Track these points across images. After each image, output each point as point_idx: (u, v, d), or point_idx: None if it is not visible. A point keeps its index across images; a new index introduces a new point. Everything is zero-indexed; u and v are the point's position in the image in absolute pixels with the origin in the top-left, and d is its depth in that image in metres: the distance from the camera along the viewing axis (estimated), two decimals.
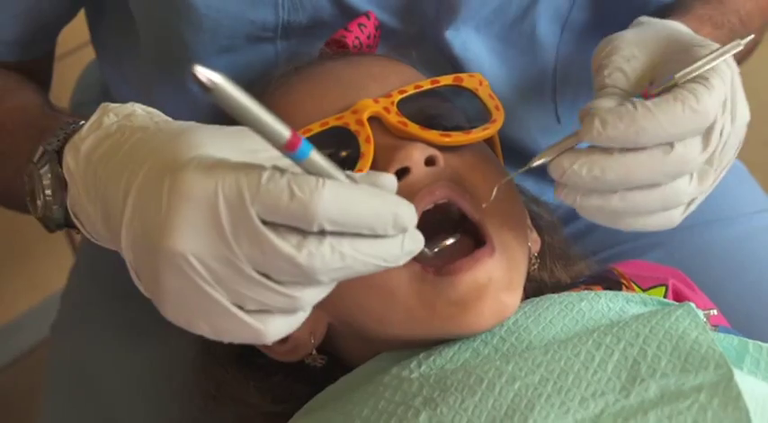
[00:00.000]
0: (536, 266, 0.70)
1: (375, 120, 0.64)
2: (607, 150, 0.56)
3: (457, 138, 0.64)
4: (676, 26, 0.65)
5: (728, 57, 0.58)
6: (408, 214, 0.48)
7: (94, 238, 0.56)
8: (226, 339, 0.50)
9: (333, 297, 0.62)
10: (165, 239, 0.47)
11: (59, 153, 0.57)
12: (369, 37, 0.73)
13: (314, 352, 0.66)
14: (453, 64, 0.78)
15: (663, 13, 0.75)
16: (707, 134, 0.57)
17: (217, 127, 0.53)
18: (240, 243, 0.46)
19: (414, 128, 0.63)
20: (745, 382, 0.51)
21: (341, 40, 0.72)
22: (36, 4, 0.76)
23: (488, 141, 0.69)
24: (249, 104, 0.43)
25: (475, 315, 0.59)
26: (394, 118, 0.64)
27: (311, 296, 0.49)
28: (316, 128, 0.64)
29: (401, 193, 0.51)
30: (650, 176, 0.56)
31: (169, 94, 0.78)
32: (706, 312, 0.61)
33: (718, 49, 0.58)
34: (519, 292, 0.62)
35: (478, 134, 0.66)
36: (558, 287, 0.70)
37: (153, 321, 0.80)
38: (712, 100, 0.56)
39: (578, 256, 0.76)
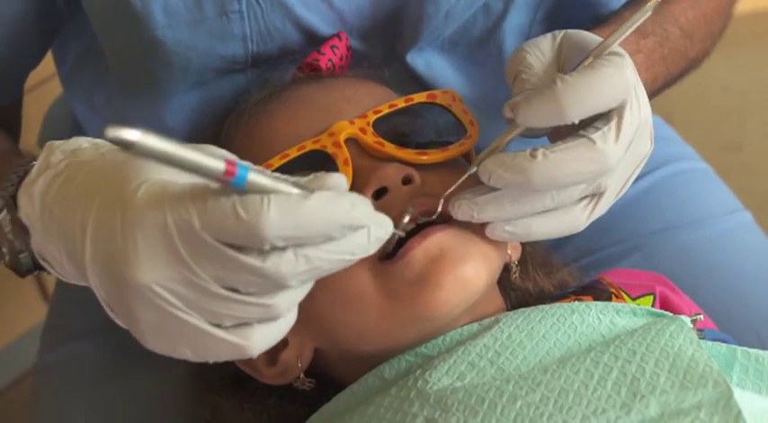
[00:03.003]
0: (517, 274, 0.71)
1: (352, 141, 0.64)
2: (533, 153, 0.56)
3: (433, 155, 0.65)
4: (581, 32, 0.65)
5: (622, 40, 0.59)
6: (364, 212, 0.47)
7: (65, 277, 0.55)
8: (211, 360, 0.50)
9: (310, 322, 0.62)
10: (127, 273, 0.46)
11: (15, 199, 0.56)
12: (341, 58, 0.73)
13: (302, 375, 0.66)
14: (421, 83, 0.79)
15: (594, 23, 0.76)
16: (619, 120, 0.57)
17: None
18: (202, 265, 0.46)
19: (390, 147, 0.64)
20: (744, 398, 0.52)
21: (314, 64, 0.72)
22: (2, 52, 0.76)
23: (466, 155, 0.70)
24: (174, 149, 0.42)
25: (436, 289, 0.58)
26: (370, 138, 0.64)
27: (286, 300, 0.48)
28: (293, 152, 0.64)
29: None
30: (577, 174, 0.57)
31: (144, 129, 0.77)
32: (693, 318, 0.62)
33: (621, 27, 0.59)
34: (482, 269, 0.60)
35: (455, 150, 0.66)
36: (544, 296, 0.71)
37: (137, 354, 0.80)
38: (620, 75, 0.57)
39: (559, 263, 0.77)
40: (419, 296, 0.59)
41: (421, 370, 0.57)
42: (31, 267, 0.58)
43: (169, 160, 0.42)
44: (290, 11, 0.72)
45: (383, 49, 0.78)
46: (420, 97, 0.69)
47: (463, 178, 0.60)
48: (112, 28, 0.73)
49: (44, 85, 1.14)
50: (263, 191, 0.45)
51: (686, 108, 1.72)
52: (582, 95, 0.56)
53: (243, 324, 0.49)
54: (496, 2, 0.75)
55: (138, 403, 0.79)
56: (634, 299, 0.67)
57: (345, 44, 0.74)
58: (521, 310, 0.62)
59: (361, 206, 0.47)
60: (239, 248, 0.45)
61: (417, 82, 0.79)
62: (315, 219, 0.45)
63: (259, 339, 0.49)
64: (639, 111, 0.59)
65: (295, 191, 0.46)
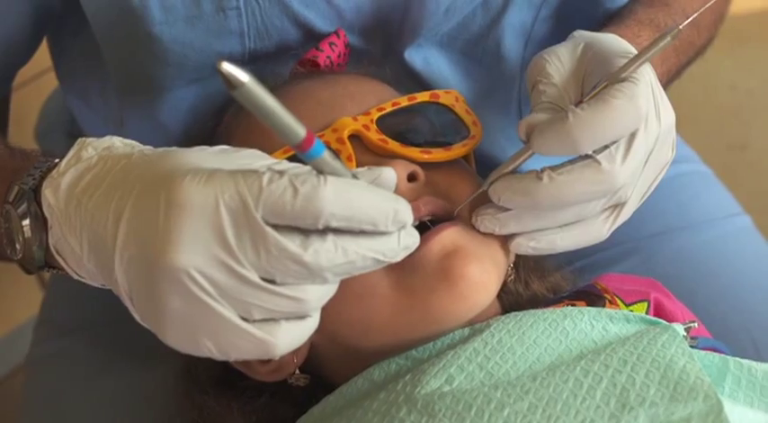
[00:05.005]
0: (512, 277, 0.70)
1: (355, 138, 0.64)
2: (539, 175, 0.58)
3: (437, 154, 0.65)
4: (603, 38, 0.65)
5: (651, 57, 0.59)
6: (407, 211, 0.50)
7: (79, 275, 0.55)
8: (233, 357, 0.49)
9: None
10: (165, 256, 0.46)
11: (36, 192, 0.56)
12: (339, 55, 0.73)
13: (297, 371, 0.66)
14: (418, 80, 0.79)
15: (607, 19, 0.76)
16: (630, 140, 0.58)
17: (200, 147, 0.52)
18: (244, 250, 0.46)
19: (394, 145, 0.64)
20: (734, 412, 0.51)
21: (313, 60, 0.72)
22: None
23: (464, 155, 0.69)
24: (273, 104, 0.44)
25: (452, 282, 0.59)
26: (374, 135, 0.64)
27: (317, 296, 0.49)
28: None
29: None
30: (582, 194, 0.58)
31: (140, 124, 0.77)
32: (687, 326, 0.62)
33: (642, 52, 0.59)
34: (492, 272, 0.62)
35: (458, 150, 0.66)
36: (537, 300, 0.70)
37: (129, 349, 0.80)
38: (639, 98, 0.57)
39: (552, 267, 0.76)
40: (436, 291, 0.59)
41: (410, 374, 0.57)
42: (42, 264, 0.57)
43: (264, 111, 0.44)
44: (288, 7, 0.72)
45: (381, 46, 0.78)
46: (423, 96, 0.69)
47: (474, 195, 0.62)
48: (109, 24, 0.72)
49: (41, 78, 1.14)
50: (327, 171, 0.47)
51: (692, 107, 1.72)
52: (594, 130, 0.57)
53: (270, 320, 0.49)
54: None
55: (127, 399, 0.79)
56: (628, 305, 0.66)
57: (343, 41, 0.74)
58: (512, 314, 0.62)
59: (405, 204, 0.50)
60: (284, 235, 0.46)
61: (414, 79, 0.79)
62: (366, 201, 0.47)
63: (284, 337, 0.49)
64: (659, 122, 0.60)
65: (351, 178, 0.48)
